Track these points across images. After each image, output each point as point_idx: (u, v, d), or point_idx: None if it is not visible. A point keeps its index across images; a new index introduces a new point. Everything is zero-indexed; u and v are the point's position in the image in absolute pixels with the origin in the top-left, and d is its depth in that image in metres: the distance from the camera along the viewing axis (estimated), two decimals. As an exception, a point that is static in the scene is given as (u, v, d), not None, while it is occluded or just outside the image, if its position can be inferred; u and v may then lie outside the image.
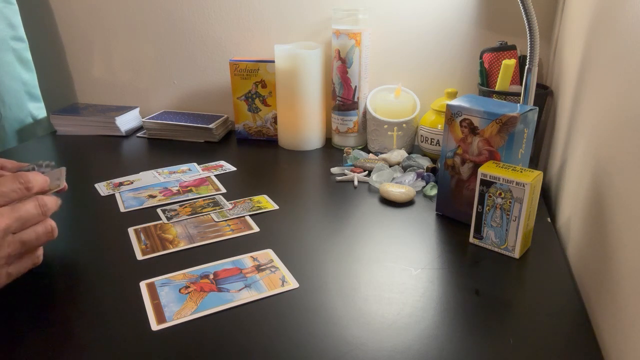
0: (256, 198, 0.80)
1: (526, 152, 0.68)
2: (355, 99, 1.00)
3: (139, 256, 0.63)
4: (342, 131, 1.02)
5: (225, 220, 0.73)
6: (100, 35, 1.17)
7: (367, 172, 0.89)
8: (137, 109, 1.18)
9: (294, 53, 0.96)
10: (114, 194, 0.81)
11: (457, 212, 0.72)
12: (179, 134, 1.08)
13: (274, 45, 0.98)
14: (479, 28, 0.97)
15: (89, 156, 1.00)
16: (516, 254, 0.63)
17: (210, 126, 1.06)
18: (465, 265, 0.62)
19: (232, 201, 0.79)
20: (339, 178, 0.87)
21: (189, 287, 0.57)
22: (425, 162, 0.89)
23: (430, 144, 0.94)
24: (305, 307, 0.54)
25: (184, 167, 0.93)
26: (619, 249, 0.48)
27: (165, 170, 0.91)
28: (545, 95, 0.90)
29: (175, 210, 0.76)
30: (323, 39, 1.04)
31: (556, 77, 0.89)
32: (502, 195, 0.62)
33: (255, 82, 1.04)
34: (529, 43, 0.72)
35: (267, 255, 0.64)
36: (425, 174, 0.84)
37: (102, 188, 0.84)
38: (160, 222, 0.72)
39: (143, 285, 0.57)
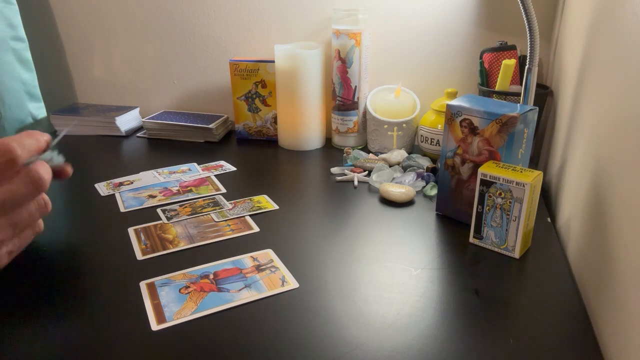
0: (256, 198, 0.80)
1: (526, 152, 0.68)
2: (355, 99, 1.00)
3: (139, 256, 0.63)
4: (342, 131, 1.02)
5: (225, 220, 0.73)
6: (100, 35, 1.17)
7: (367, 172, 0.89)
8: (137, 109, 1.18)
9: (294, 53, 0.96)
10: (114, 194, 0.81)
11: (457, 212, 0.72)
12: (179, 134, 1.08)
13: (274, 45, 0.98)
14: (479, 28, 0.97)
15: (89, 156, 1.00)
16: (516, 254, 0.63)
17: (210, 126, 1.06)
18: (465, 265, 0.62)
19: (232, 201, 0.79)
20: (339, 178, 0.87)
21: (189, 287, 0.57)
22: (425, 162, 0.89)
23: (430, 144, 0.94)
24: (305, 307, 0.54)
25: (184, 167, 0.93)
26: (619, 249, 0.48)
27: (165, 170, 0.91)
28: (545, 95, 0.90)
29: (175, 210, 0.76)
30: (323, 39, 1.04)
31: (556, 77, 0.89)
32: (502, 195, 0.62)
33: (255, 82, 1.04)
34: (529, 43, 0.72)
35: (267, 255, 0.64)
36: (425, 174, 0.84)
37: (102, 188, 0.84)
38: (160, 222, 0.72)
39: (143, 285, 0.57)
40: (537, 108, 0.67)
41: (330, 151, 1.03)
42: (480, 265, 0.62)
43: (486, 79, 0.93)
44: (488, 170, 0.62)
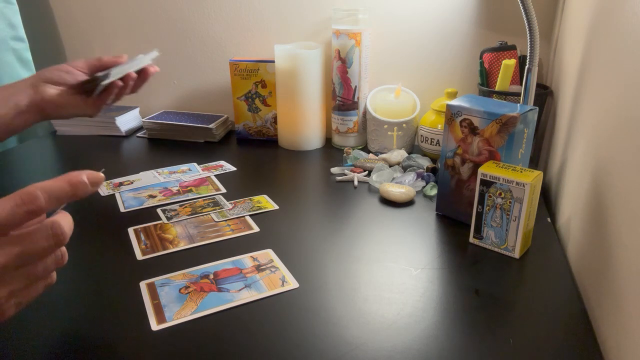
0: (256, 198, 0.80)
1: (526, 152, 0.68)
2: (355, 99, 1.00)
3: (139, 256, 0.63)
4: (342, 131, 1.02)
5: (225, 220, 0.73)
6: (100, 35, 1.17)
7: (367, 172, 0.89)
8: (137, 109, 1.18)
9: (294, 53, 0.96)
10: (114, 194, 0.81)
11: (457, 212, 0.72)
12: (179, 134, 1.08)
13: (274, 45, 0.98)
14: (479, 28, 0.97)
15: (89, 156, 1.00)
16: (516, 254, 0.63)
17: (210, 126, 1.06)
18: (465, 265, 0.62)
19: (232, 201, 0.79)
20: (339, 178, 0.87)
21: (189, 287, 0.57)
22: (425, 162, 0.89)
23: (430, 144, 0.94)
24: (305, 307, 0.54)
25: (184, 167, 0.93)
26: (619, 249, 0.48)
27: (165, 170, 0.91)
28: (545, 95, 0.90)
29: (175, 210, 0.76)
30: (323, 39, 1.04)
31: (556, 77, 0.89)
32: (502, 195, 0.62)
33: (255, 82, 1.04)
34: (529, 43, 0.72)
35: (267, 255, 0.64)
36: (425, 174, 0.84)
37: (102, 188, 0.84)
38: (160, 222, 0.72)
39: (143, 285, 0.57)
40: (537, 108, 0.67)
41: (330, 151, 1.03)
42: (480, 265, 0.62)
43: (486, 79, 0.93)
44: (488, 170, 0.62)
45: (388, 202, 0.79)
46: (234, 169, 0.93)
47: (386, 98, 0.99)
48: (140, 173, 0.90)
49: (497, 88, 0.89)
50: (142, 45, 1.15)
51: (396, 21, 1.00)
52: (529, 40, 0.72)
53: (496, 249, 0.64)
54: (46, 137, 1.11)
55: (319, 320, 0.52)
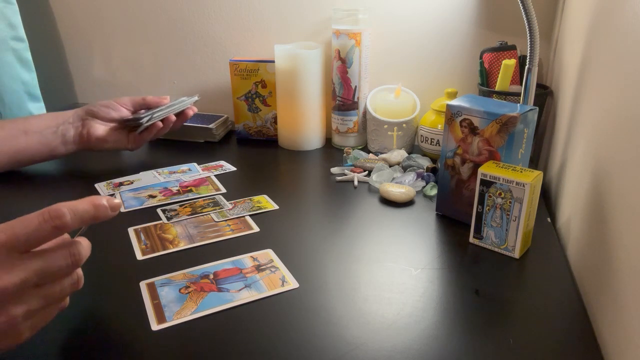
0: (256, 198, 0.80)
1: (526, 152, 0.68)
2: (355, 99, 1.00)
3: (139, 256, 0.63)
4: (342, 131, 1.02)
5: (225, 220, 0.73)
6: (100, 35, 1.17)
7: (367, 172, 0.89)
8: (137, 109, 1.18)
9: (294, 53, 0.96)
10: (114, 194, 0.81)
11: (457, 212, 0.72)
12: (179, 134, 1.08)
13: (274, 45, 0.98)
14: (479, 28, 0.97)
15: (89, 156, 1.00)
16: (516, 254, 0.63)
17: (210, 126, 1.06)
18: (465, 265, 0.62)
19: (232, 201, 0.79)
20: (339, 178, 0.88)
21: (189, 287, 0.57)
22: (425, 162, 0.89)
23: (430, 144, 0.94)
24: (305, 307, 0.54)
25: (184, 167, 0.93)
26: (619, 249, 0.48)
27: (165, 170, 0.91)
28: (545, 95, 0.90)
29: (175, 210, 0.76)
30: (323, 39, 1.04)
31: (556, 77, 0.89)
32: (502, 195, 0.62)
33: (255, 82, 1.04)
34: (529, 43, 0.72)
35: (267, 255, 0.64)
36: (425, 174, 0.84)
37: (102, 188, 0.84)
38: (160, 222, 0.72)
39: (143, 285, 0.57)
40: (537, 108, 0.67)
41: (330, 151, 1.03)
42: (480, 265, 0.62)
43: (486, 79, 0.93)
44: (488, 170, 0.62)
45: (388, 202, 0.79)
46: (234, 169, 0.93)
47: (386, 98, 0.99)
48: (140, 173, 0.90)
49: (497, 88, 0.89)
50: (142, 45, 1.15)
51: (396, 21, 1.00)
52: (529, 40, 0.72)
53: (496, 249, 0.64)
54: (46, 137, 1.11)
55: (319, 320, 0.52)
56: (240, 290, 0.56)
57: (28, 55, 1.08)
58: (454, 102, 0.69)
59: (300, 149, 1.03)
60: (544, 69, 0.97)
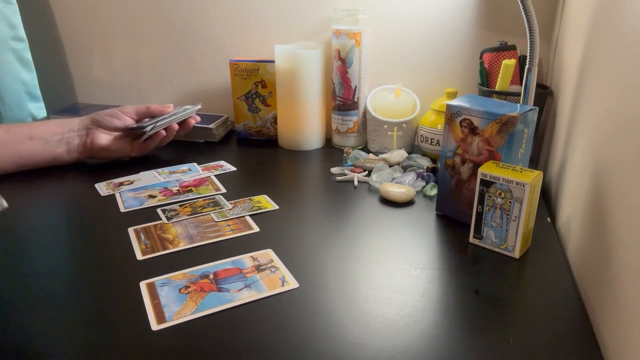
0: (256, 198, 0.80)
1: (526, 152, 0.68)
2: (355, 99, 1.00)
3: (139, 256, 0.63)
4: (342, 131, 1.02)
5: (225, 220, 0.73)
6: (100, 35, 1.17)
7: (367, 172, 0.89)
8: (137, 109, 1.18)
9: (294, 53, 0.96)
10: (114, 194, 0.81)
11: (457, 212, 0.72)
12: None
13: (274, 45, 0.98)
14: (479, 28, 0.97)
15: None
16: (516, 254, 0.63)
17: (211, 126, 1.06)
18: (465, 265, 0.62)
19: (232, 201, 0.79)
20: (339, 178, 0.87)
21: (189, 287, 0.57)
22: (425, 162, 0.89)
23: (430, 144, 0.94)
24: (305, 307, 0.54)
25: (184, 167, 0.93)
26: (619, 249, 0.48)
27: (165, 170, 0.91)
28: (545, 95, 0.90)
29: (175, 210, 0.76)
30: (323, 39, 1.04)
31: (556, 77, 0.89)
32: (502, 195, 0.62)
33: (255, 82, 1.04)
34: (529, 43, 0.72)
35: (267, 255, 0.64)
36: (425, 174, 0.84)
37: (102, 188, 0.84)
38: (160, 222, 0.72)
39: (143, 285, 0.57)
40: (537, 108, 0.67)
41: (330, 151, 1.03)
42: (480, 265, 0.62)
43: (486, 79, 0.93)
44: (488, 170, 0.62)
45: (388, 202, 0.79)
46: (234, 169, 0.93)
47: (386, 98, 0.99)
48: (140, 173, 0.90)
49: (497, 88, 0.89)
50: (142, 45, 1.15)
51: (396, 21, 1.00)
52: (529, 40, 0.72)
53: (496, 249, 0.64)
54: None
55: (319, 320, 0.52)
56: (240, 290, 0.56)
57: (28, 55, 1.08)
58: (454, 102, 0.69)
59: (300, 149, 1.03)
60: (544, 69, 0.97)
